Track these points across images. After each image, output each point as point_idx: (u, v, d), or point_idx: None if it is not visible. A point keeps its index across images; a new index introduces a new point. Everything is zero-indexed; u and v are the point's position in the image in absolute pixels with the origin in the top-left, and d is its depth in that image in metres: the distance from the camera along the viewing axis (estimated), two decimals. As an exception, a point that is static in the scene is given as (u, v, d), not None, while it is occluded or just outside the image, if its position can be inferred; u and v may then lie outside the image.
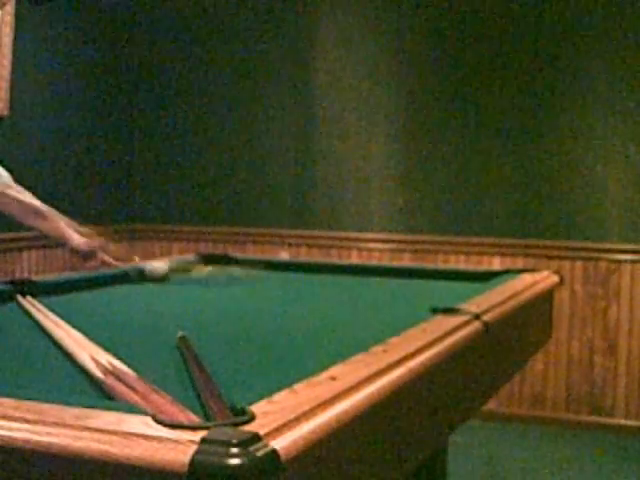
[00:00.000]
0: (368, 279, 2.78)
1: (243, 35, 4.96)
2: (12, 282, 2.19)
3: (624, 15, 4.26)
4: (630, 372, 4.30)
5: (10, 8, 3.99)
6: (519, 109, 4.45)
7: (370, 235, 4.75)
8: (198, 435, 0.85)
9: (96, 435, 0.87)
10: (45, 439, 0.88)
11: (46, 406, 0.97)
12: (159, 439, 0.85)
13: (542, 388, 4.45)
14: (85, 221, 3.01)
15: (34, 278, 2.37)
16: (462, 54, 4.54)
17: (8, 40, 4.01)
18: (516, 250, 4.47)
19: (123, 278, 2.55)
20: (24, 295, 2.07)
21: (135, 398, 1.06)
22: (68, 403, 0.98)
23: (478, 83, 4.52)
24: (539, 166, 4.43)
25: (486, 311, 1.83)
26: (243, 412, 0.95)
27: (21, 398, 1.00)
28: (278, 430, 0.90)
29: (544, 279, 2.57)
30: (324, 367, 1.22)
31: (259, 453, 0.82)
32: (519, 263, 4.34)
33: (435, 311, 1.79)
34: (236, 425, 0.90)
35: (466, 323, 1.68)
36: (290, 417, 0.94)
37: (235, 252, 4.28)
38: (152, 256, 4.98)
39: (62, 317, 1.71)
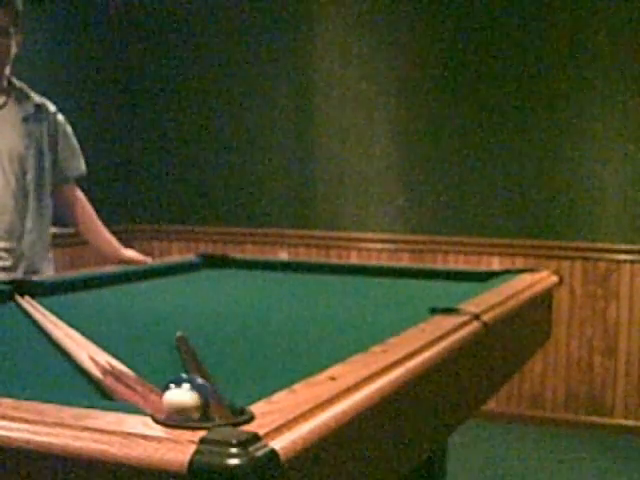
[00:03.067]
0: (367, 279, 2.78)
1: (242, 34, 4.96)
2: (11, 282, 2.19)
3: (623, 14, 4.26)
4: (629, 372, 4.30)
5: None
6: (518, 109, 4.46)
7: (369, 235, 4.75)
8: (197, 435, 0.85)
9: (95, 435, 0.87)
10: (45, 439, 0.88)
11: (45, 406, 0.97)
12: (158, 439, 0.85)
13: (541, 388, 4.45)
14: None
15: (33, 278, 2.37)
16: (462, 54, 4.54)
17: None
18: (515, 250, 4.47)
19: (121, 278, 2.55)
20: (23, 295, 2.07)
21: (134, 398, 1.06)
22: (67, 403, 0.98)
23: (477, 83, 4.52)
24: (538, 166, 4.43)
25: (485, 311, 1.83)
26: (242, 412, 0.95)
27: (20, 398, 1.00)
28: (277, 430, 0.90)
29: (543, 279, 2.57)
30: (323, 367, 1.21)
31: (258, 453, 0.82)
32: (518, 263, 4.35)
33: (434, 311, 1.79)
34: (235, 425, 0.90)
35: (465, 323, 1.68)
36: (289, 417, 0.94)
37: (234, 252, 4.28)
38: (151, 256, 4.98)
39: (61, 317, 1.71)
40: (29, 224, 2.67)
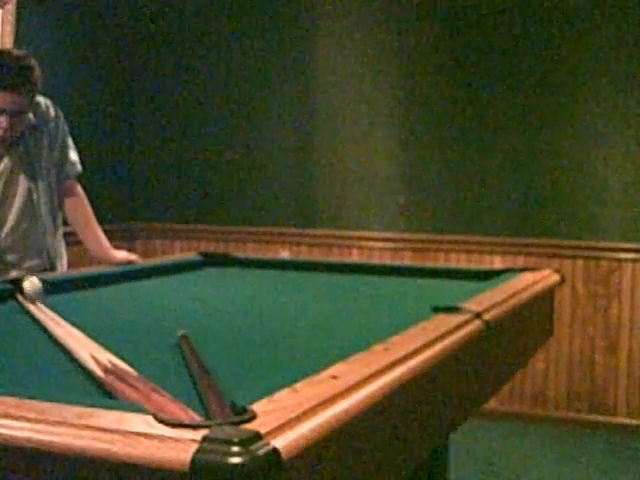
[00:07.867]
0: (369, 278, 2.78)
1: (243, 33, 4.95)
2: (12, 281, 2.19)
3: (625, 15, 4.25)
4: (631, 370, 4.30)
5: (11, 7, 3.99)
6: (520, 108, 4.45)
7: (371, 234, 4.75)
8: (199, 434, 0.85)
9: (97, 434, 0.88)
10: (46, 438, 0.89)
11: (47, 405, 0.97)
12: (160, 438, 0.85)
13: (543, 387, 4.45)
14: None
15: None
16: (463, 54, 4.53)
17: (9, 39, 4.01)
18: (517, 249, 4.47)
19: (123, 277, 2.55)
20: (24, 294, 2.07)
21: (136, 397, 1.06)
22: (69, 402, 0.98)
23: (479, 82, 4.51)
24: (540, 165, 4.43)
25: (487, 310, 1.83)
26: (244, 411, 0.95)
27: (22, 397, 1.00)
28: (279, 429, 0.90)
29: (545, 278, 2.57)
30: (325, 366, 1.22)
31: (260, 452, 0.83)
32: (520, 262, 4.34)
33: (436, 310, 1.79)
34: (237, 424, 0.90)
35: (467, 322, 1.68)
36: (291, 416, 0.94)
37: (236, 251, 4.28)
38: (153, 255, 4.98)
39: (62, 316, 1.71)
40: (45, 225, 2.74)
